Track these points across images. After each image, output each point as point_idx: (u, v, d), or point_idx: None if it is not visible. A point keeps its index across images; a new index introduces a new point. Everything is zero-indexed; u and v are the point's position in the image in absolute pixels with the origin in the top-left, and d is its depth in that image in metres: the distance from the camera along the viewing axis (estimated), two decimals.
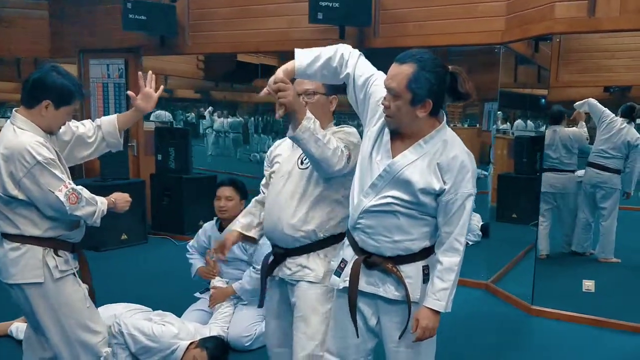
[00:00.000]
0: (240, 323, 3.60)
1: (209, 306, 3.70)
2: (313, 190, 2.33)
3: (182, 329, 3.28)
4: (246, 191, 3.77)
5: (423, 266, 2.11)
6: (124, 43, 6.38)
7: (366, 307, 2.19)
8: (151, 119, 7.25)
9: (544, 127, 5.10)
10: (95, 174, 6.26)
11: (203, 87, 8.63)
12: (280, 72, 2.03)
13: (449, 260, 2.03)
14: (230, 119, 8.68)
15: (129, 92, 2.70)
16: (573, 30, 4.14)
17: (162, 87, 2.74)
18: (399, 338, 2.12)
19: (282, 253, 2.42)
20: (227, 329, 3.58)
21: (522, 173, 5.72)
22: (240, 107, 8.84)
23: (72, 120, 2.65)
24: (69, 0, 6.72)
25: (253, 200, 2.67)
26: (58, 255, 2.43)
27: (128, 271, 5.26)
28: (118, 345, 3.21)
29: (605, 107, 5.12)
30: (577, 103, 5.25)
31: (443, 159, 1.99)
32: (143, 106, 2.68)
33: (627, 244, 5.20)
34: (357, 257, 2.13)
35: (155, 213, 6.47)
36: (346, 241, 2.23)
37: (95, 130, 2.68)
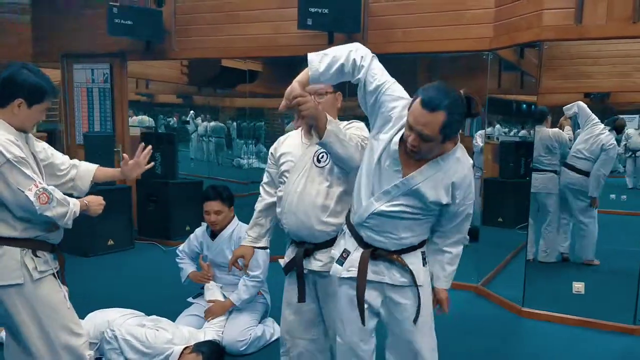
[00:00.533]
0: (235, 327, 3.59)
1: (205, 319, 3.65)
2: (337, 186, 2.45)
3: (175, 334, 3.27)
4: (232, 197, 3.76)
5: (422, 252, 2.33)
6: (109, 48, 6.33)
7: (371, 292, 2.30)
8: (135, 124, 7.18)
9: (530, 132, 5.16)
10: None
11: (185, 91, 8.55)
12: (297, 85, 2.08)
13: (456, 250, 2.36)
14: (212, 123, 8.64)
15: (124, 155, 2.70)
16: (560, 37, 4.17)
17: (152, 164, 2.75)
18: (414, 321, 2.28)
19: (311, 248, 2.52)
20: (222, 333, 3.56)
21: (508, 177, 5.79)
22: (222, 112, 8.79)
23: (51, 147, 2.62)
24: (52, 4, 6.64)
25: (257, 210, 2.72)
26: (37, 256, 2.36)
27: (117, 277, 5.22)
28: (112, 350, 3.19)
29: None
30: (565, 107, 5.31)
31: (457, 178, 2.16)
32: (128, 172, 2.72)
33: (612, 247, 5.29)
34: (361, 249, 2.27)
35: (142, 219, 6.43)
36: (347, 231, 2.34)
37: (69, 168, 2.65)
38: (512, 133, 6.34)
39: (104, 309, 3.51)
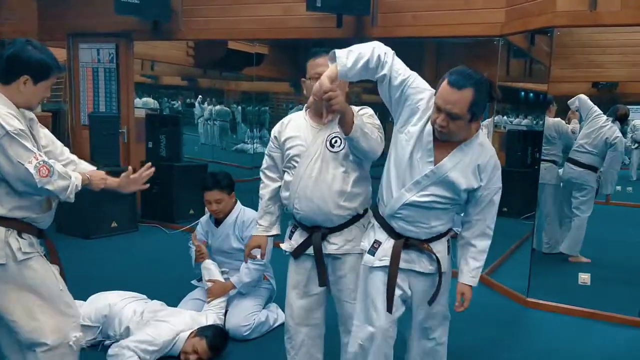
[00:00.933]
0: (238, 313, 3.57)
1: (206, 301, 3.62)
2: (353, 170, 2.49)
3: (177, 322, 3.24)
4: (233, 183, 3.68)
5: (447, 240, 2.44)
6: (115, 27, 6.25)
7: (400, 281, 2.39)
8: (139, 105, 7.15)
9: (535, 121, 5.10)
10: (85, 160, 6.02)
11: (190, 74, 8.54)
12: (326, 80, 2.13)
13: (482, 244, 2.38)
14: (218, 107, 8.59)
15: (130, 167, 2.63)
16: (574, 23, 4.10)
17: (147, 185, 2.68)
18: (429, 304, 2.41)
19: (326, 232, 2.55)
20: (223, 316, 3.54)
21: (514, 167, 5.74)
22: (227, 96, 8.79)
23: (52, 135, 2.58)
24: None
25: (264, 198, 2.70)
26: (22, 237, 2.29)
27: (119, 259, 5.20)
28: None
29: (593, 102, 5.14)
30: (569, 100, 5.25)
31: (482, 161, 2.24)
32: (125, 186, 2.62)
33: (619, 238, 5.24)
34: (392, 239, 2.35)
35: (146, 201, 6.39)
36: (375, 223, 2.42)
37: (68, 163, 2.56)
38: (519, 122, 6.28)
39: (105, 292, 3.49)
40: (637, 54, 5.03)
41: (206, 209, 3.76)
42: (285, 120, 2.66)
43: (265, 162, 2.70)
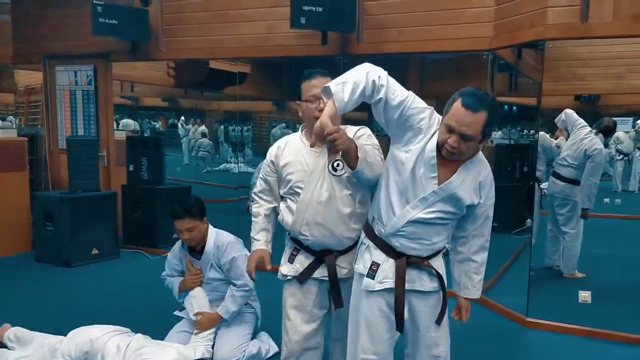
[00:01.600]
0: (226, 344, 3.41)
1: (194, 333, 3.45)
2: (357, 192, 2.50)
3: (162, 357, 3.06)
4: (204, 207, 3.48)
5: (442, 255, 2.45)
6: (93, 48, 6.17)
7: None
8: (120, 128, 7.08)
9: (532, 134, 5.04)
10: (64, 185, 6.04)
11: (171, 94, 8.45)
12: (328, 121, 2.08)
13: (481, 257, 2.42)
14: (201, 140, 8.54)
15: None
16: (565, 36, 4.04)
17: None
18: (438, 323, 2.39)
19: (337, 255, 2.57)
20: (212, 348, 3.38)
21: (503, 181, 5.65)
22: (209, 116, 8.73)
23: None
24: (34, 2, 6.46)
25: (261, 215, 2.67)
26: None
27: (101, 287, 5.05)
28: None
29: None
30: (556, 118, 5.18)
31: (482, 178, 2.27)
32: None
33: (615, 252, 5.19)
34: (391, 259, 2.32)
35: (127, 226, 6.26)
36: (370, 244, 2.37)
37: None
38: (508, 136, 6.23)
39: (87, 327, 3.32)
40: (619, 65, 5.05)
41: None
42: (281, 143, 2.63)
43: (260, 185, 2.68)
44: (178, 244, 3.67)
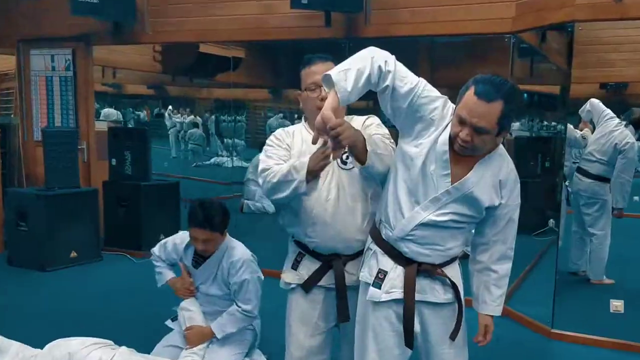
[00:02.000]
0: None
1: (185, 348, 3.17)
2: (368, 187, 2.36)
3: None
4: (228, 219, 3.10)
5: (458, 262, 2.28)
6: (71, 30, 5.94)
7: None
8: (101, 118, 6.85)
9: (554, 126, 4.74)
10: (39, 182, 5.87)
11: (157, 81, 8.29)
12: (330, 114, 1.94)
13: (503, 268, 2.22)
14: (191, 130, 8.38)
15: None
16: (597, 17, 3.83)
17: None
18: (452, 338, 2.22)
19: (346, 260, 2.42)
20: None
21: (522, 177, 5.33)
22: (198, 105, 8.62)
23: None
24: None
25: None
26: None
27: (80, 294, 4.84)
28: None
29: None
30: (580, 109, 4.93)
31: (503, 175, 2.11)
32: None
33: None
34: (400, 267, 2.18)
35: (110, 226, 6.04)
36: (378, 249, 2.23)
37: None
38: (528, 128, 5.97)
39: (65, 339, 3.01)
40: None
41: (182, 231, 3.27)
42: (289, 130, 2.52)
43: (270, 159, 2.37)
44: (184, 240, 3.28)
